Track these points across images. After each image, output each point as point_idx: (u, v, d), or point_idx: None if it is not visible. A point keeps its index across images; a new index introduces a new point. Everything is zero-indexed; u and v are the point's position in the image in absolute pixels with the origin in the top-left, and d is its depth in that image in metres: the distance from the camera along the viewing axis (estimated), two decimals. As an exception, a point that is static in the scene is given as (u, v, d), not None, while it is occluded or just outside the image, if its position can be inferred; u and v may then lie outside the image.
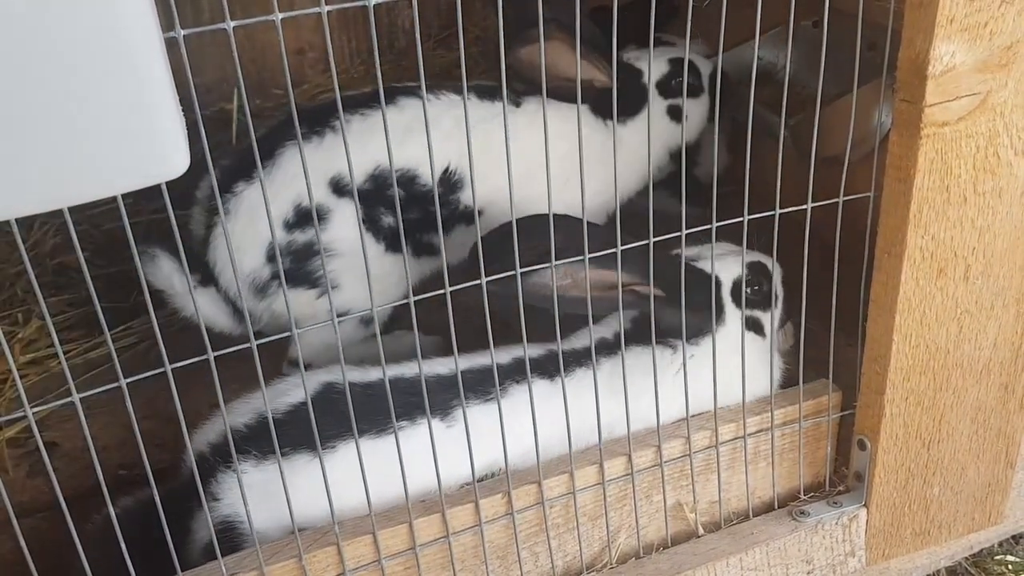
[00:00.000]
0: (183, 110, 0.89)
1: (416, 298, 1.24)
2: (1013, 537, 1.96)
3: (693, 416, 1.55)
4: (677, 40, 2.51)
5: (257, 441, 1.43)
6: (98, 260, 2.51)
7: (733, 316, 1.61)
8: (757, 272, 1.64)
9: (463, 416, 1.38)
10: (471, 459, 1.39)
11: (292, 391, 1.48)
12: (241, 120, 3.13)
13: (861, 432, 1.58)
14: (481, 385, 1.51)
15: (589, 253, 1.33)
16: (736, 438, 1.57)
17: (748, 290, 1.61)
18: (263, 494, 1.38)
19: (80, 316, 2.29)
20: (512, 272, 1.29)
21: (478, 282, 1.30)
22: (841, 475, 1.69)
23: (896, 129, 1.36)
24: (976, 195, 1.40)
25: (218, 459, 1.43)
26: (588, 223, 1.31)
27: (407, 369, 1.51)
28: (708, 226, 1.39)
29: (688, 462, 1.55)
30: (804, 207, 1.42)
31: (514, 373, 1.52)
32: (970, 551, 1.91)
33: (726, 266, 1.62)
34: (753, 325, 1.63)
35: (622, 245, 1.34)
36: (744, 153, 1.63)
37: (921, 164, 1.33)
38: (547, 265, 1.36)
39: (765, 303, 1.65)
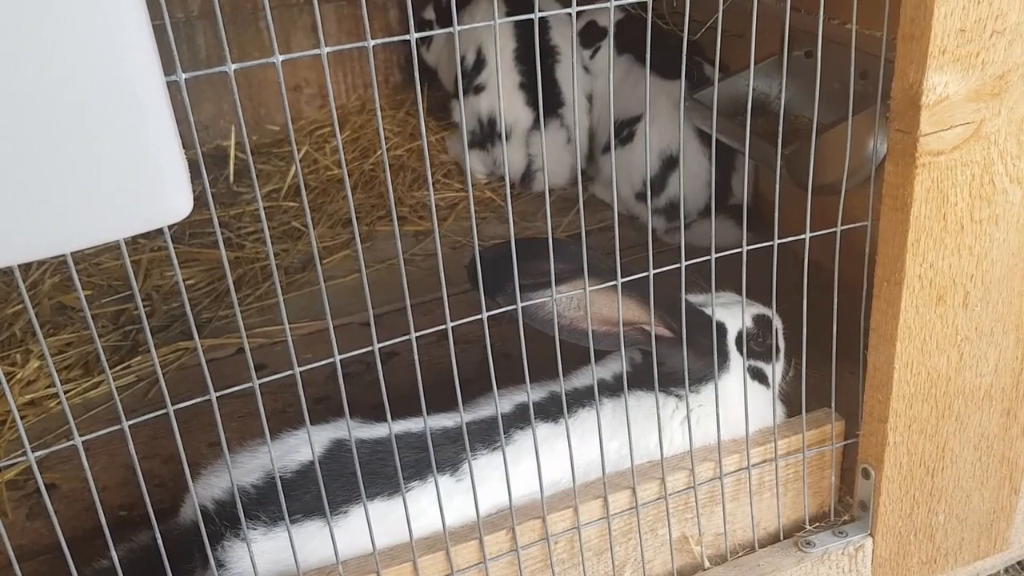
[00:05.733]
0: (183, 149, 0.89)
1: (417, 334, 1.23)
2: (1018, 563, 1.95)
3: (697, 448, 1.55)
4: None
5: (266, 505, 1.38)
6: (97, 298, 2.52)
7: (737, 365, 1.62)
8: (762, 325, 1.64)
9: (470, 469, 1.37)
10: (477, 511, 1.38)
11: (302, 447, 1.43)
12: (239, 157, 3.15)
13: (865, 461, 1.58)
14: (487, 435, 1.49)
15: (590, 284, 1.33)
16: (740, 469, 1.57)
17: (752, 343, 1.63)
18: (273, 562, 1.35)
19: (79, 355, 2.28)
20: (513, 307, 1.29)
21: (479, 317, 1.30)
22: (846, 504, 1.68)
23: (891, 159, 1.37)
24: (973, 223, 1.40)
25: (225, 523, 1.37)
26: (588, 250, 1.32)
27: (413, 424, 1.48)
28: (707, 257, 1.39)
29: (692, 494, 1.54)
30: (803, 236, 1.43)
31: (517, 420, 1.51)
32: (976, 579, 1.90)
33: (732, 316, 1.62)
34: (756, 375, 1.64)
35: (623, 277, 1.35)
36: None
37: (917, 193, 1.34)
38: (549, 297, 1.37)
39: (769, 355, 1.65)
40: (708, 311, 1.58)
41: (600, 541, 1.51)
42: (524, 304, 1.32)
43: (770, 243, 1.41)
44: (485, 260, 1.31)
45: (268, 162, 3.20)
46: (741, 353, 1.62)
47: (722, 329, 1.61)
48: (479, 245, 1.29)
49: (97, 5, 0.75)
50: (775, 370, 1.66)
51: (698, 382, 1.58)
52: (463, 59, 2.93)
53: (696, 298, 1.60)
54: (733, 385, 1.59)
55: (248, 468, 1.43)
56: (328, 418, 1.50)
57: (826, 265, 1.45)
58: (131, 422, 1.10)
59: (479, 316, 1.29)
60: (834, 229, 1.44)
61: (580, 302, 1.44)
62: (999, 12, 1.27)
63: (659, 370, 1.52)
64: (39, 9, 0.75)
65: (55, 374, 1.06)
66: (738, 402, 1.54)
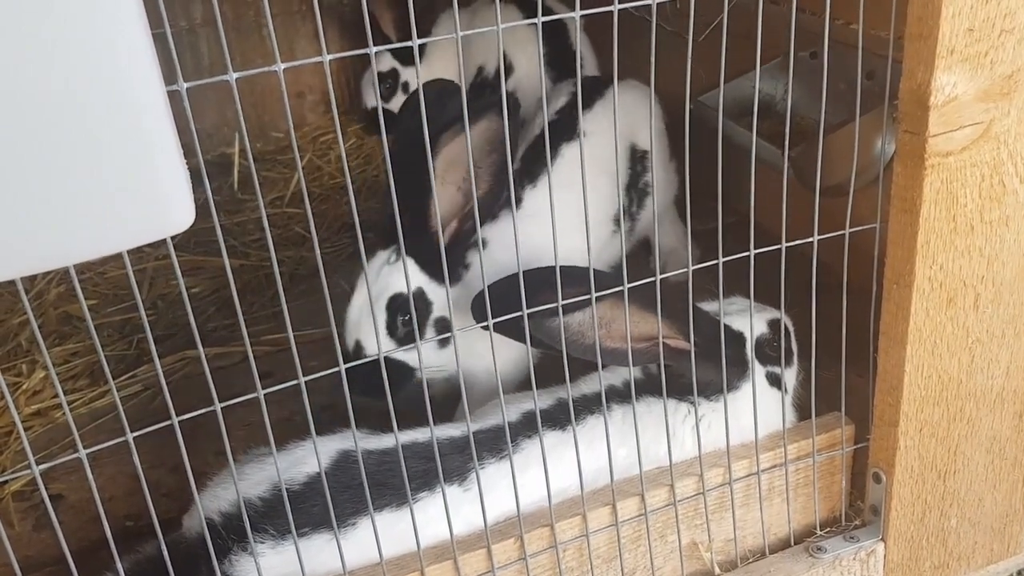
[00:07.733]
0: (185, 156, 0.88)
1: (424, 341, 1.23)
2: (1032, 566, 1.93)
3: (706, 453, 1.53)
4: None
5: (274, 518, 1.37)
6: (103, 308, 2.51)
7: (756, 372, 1.61)
8: (777, 329, 1.63)
9: (477, 478, 1.36)
10: (484, 520, 1.38)
11: (309, 459, 1.41)
12: (243, 164, 3.15)
13: (876, 465, 1.56)
14: (495, 443, 1.48)
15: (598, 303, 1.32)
16: (750, 474, 1.55)
17: (767, 348, 1.62)
18: None
19: (85, 365, 2.28)
20: (519, 313, 1.29)
21: (484, 324, 1.29)
22: (857, 509, 1.67)
23: (900, 160, 1.36)
24: (983, 224, 1.39)
25: (232, 536, 1.35)
26: (596, 270, 1.31)
27: (420, 434, 1.47)
28: (715, 261, 1.38)
29: (702, 500, 1.53)
30: (810, 240, 1.42)
31: (525, 428, 1.50)
32: (989, 582, 1.88)
33: (747, 323, 1.61)
34: (775, 381, 1.63)
35: (629, 283, 1.34)
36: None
37: (927, 194, 1.33)
38: (553, 304, 1.36)
39: (784, 359, 1.64)
40: (725, 320, 1.57)
41: (609, 548, 1.50)
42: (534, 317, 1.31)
43: (778, 246, 1.40)
44: (493, 294, 1.32)
45: (272, 169, 3.20)
46: (759, 360, 1.61)
47: (740, 339, 1.60)
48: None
49: (95, 21, 0.74)
50: (785, 374, 1.65)
51: (719, 392, 1.57)
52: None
53: (711, 305, 1.58)
54: (752, 393, 1.57)
55: (255, 480, 1.42)
56: (335, 427, 1.49)
57: (834, 267, 1.43)
58: (134, 434, 1.09)
59: (485, 324, 1.29)
60: (842, 232, 1.43)
61: (601, 319, 1.43)
62: (1008, 11, 1.26)
63: (679, 382, 1.51)
64: (33, 24, 0.74)
65: (58, 386, 1.05)
66: (759, 408, 1.52)
